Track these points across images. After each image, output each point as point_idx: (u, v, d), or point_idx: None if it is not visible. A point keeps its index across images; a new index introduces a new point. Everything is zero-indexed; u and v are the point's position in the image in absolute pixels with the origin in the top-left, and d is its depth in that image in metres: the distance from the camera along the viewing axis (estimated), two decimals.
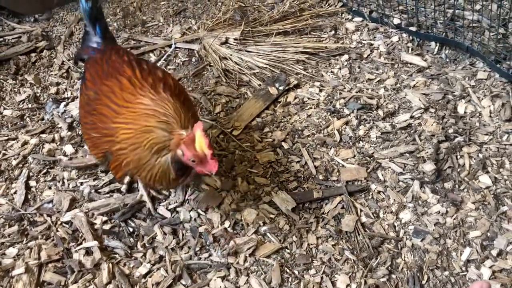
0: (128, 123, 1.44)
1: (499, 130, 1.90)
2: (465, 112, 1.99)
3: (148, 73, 1.59)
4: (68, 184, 1.90)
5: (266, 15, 2.57)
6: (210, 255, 1.64)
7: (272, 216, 1.72)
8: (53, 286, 1.59)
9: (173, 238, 1.69)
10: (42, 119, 2.18)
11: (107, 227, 1.73)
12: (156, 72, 1.62)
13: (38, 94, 2.30)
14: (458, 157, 1.83)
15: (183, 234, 1.70)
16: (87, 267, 1.62)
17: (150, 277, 1.59)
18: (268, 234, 1.67)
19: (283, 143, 1.96)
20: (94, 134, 1.55)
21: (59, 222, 1.77)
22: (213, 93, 2.23)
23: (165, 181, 1.47)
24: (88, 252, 1.66)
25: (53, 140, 2.08)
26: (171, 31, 2.62)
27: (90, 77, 1.64)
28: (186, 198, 1.79)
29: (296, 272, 1.58)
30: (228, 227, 1.70)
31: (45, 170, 1.96)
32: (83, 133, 1.69)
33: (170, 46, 2.50)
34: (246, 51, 2.36)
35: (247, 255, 1.62)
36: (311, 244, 1.64)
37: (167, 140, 1.39)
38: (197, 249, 1.65)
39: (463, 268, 1.54)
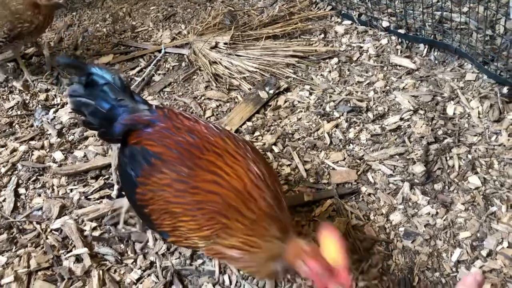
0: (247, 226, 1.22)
1: (488, 131, 1.91)
2: (454, 114, 2.00)
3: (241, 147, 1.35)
4: (58, 191, 1.89)
5: (256, 19, 2.58)
6: (203, 262, 1.63)
7: None
8: None
9: (164, 244, 1.68)
10: (31, 126, 2.17)
11: (97, 233, 1.72)
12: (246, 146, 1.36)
13: (27, 101, 2.29)
14: (448, 158, 1.84)
15: None
16: (77, 274, 1.61)
17: (141, 283, 1.58)
18: None
19: (273, 147, 1.96)
20: (199, 214, 1.26)
21: (48, 230, 1.76)
22: (203, 98, 2.23)
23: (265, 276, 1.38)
24: (78, 259, 1.65)
25: (42, 147, 2.07)
26: (160, 36, 2.62)
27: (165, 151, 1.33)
28: None
29: (288, 276, 1.57)
30: None
31: (34, 177, 1.95)
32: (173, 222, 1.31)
33: (160, 51, 2.50)
34: (236, 55, 2.36)
35: None
36: None
37: (282, 251, 1.22)
38: (188, 254, 1.64)
39: (454, 269, 1.54)
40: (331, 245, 1.14)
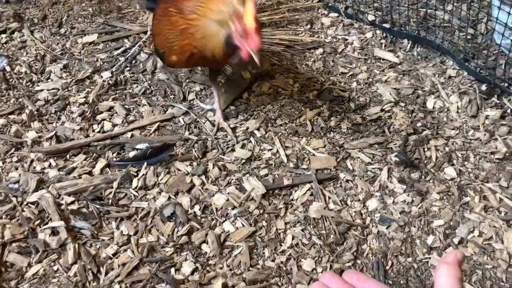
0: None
1: (466, 125, 1.96)
2: (433, 107, 2.04)
3: None
4: (35, 167, 1.87)
5: None
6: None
7: (242, 201, 1.72)
8: (17, 266, 1.57)
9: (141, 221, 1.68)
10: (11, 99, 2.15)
11: (74, 207, 1.71)
12: None
13: (7, 75, 2.26)
14: (426, 149, 1.88)
15: (152, 217, 1.70)
16: (52, 247, 1.60)
17: (117, 257, 1.58)
18: (238, 219, 1.68)
19: (256, 131, 1.97)
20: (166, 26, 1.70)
21: (25, 203, 1.74)
22: (187, 81, 2.23)
23: (219, 56, 1.59)
24: (54, 232, 1.64)
25: (21, 122, 2.04)
26: (147, 18, 2.61)
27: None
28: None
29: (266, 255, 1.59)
30: (198, 210, 1.71)
31: (12, 151, 1.93)
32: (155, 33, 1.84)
33: (145, 32, 2.48)
34: None
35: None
36: (280, 229, 1.65)
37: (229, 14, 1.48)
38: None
39: (426, 255, 1.58)
40: (249, 12, 1.39)
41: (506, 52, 2.02)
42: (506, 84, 2.02)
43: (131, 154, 1.90)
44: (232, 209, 1.70)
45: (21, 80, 2.25)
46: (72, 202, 1.73)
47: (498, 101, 2.02)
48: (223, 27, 1.51)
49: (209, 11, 1.54)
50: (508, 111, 1.98)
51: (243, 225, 1.66)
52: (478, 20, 2.32)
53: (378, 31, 2.43)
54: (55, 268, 1.57)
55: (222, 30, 1.51)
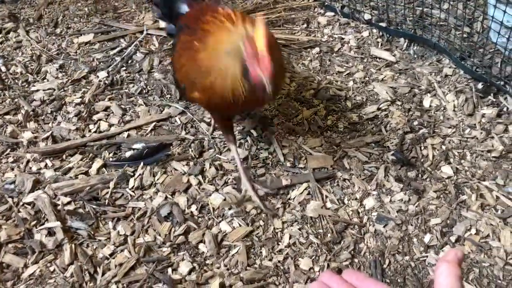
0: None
1: (462, 124, 1.96)
2: (430, 106, 2.04)
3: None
4: (31, 167, 1.86)
5: (240, 5, 2.58)
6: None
7: (239, 202, 1.72)
8: (13, 267, 1.56)
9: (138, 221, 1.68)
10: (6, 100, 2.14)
11: (71, 207, 1.70)
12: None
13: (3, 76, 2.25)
14: (422, 148, 1.88)
15: (149, 217, 1.69)
16: (48, 247, 1.59)
17: (114, 258, 1.58)
18: (235, 218, 1.68)
19: (252, 131, 1.97)
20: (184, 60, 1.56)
21: (21, 203, 1.73)
22: None
23: (240, 96, 1.40)
24: (51, 232, 1.63)
25: (17, 122, 2.03)
26: (143, 18, 2.60)
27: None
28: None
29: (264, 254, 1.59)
30: (195, 210, 1.70)
31: (7, 151, 1.92)
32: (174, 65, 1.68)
33: (141, 32, 2.48)
34: None
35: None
36: (277, 229, 1.65)
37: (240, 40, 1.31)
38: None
39: (423, 254, 1.58)
40: (257, 33, 1.25)
41: (502, 50, 2.02)
42: (502, 83, 2.03)
43: (128, 154, 1.90)
44: (229, 209, 1.70)
45: (16, 81, 2.24)
46: (69, 203, 1.72)
47: (494, 100, 2.03)
48: (237, 58, 1.32)
49: (218, 42, 1.39)
50: (504, 109, 1.99)
51: (240, 225, 1.66)
52: (474, 19, 2.33)
53: (374, 30, 2.43)
54: (51, 268, 1.56)
55: (237, 62, 1.33)
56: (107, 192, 1.76)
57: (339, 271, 1.52)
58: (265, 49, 1.22)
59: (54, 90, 2.18)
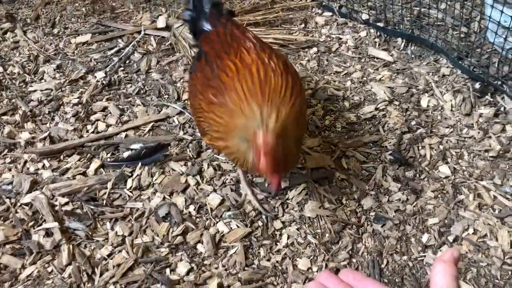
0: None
1: (460, 124, 1.96)
2: (428, 106, 2.04)
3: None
4: (28, 168, 1.86)
5: (238, 6, 2.58)
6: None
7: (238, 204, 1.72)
8: (10, 268, 1.56)
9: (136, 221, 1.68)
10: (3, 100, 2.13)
11: (68, 208, 1.70)
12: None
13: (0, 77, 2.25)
14: (420, 148, 1.88)
15: (147, 218, 1.69)
16: (46, 248, 1.59)
17: (112, 258, 1.57)
18: (233, 220, 1.68)
19: None
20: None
21: (18, 204, 1.73)
22: (182, 80, 2.22)
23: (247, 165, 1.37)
24: (48, 233, 1.63)
25: (14, 122, 2.03)
26: (140, 18, 2.60)
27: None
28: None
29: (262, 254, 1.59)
30: (193, 210, 1.70)
31: (5, 152, 1.92)
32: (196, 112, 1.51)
33: (139, 32, 2.47)
34: None
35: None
36: (276, 229, 1.65)
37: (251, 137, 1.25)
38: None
39: (421, 253, 1.58)
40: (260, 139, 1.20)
41: (499, 50, 2.03)
42: (499, 82, 2.03)
43: (126, 154, 1.89)
44: (227, 210, 1.70)
45: (14, 81, 2.24)
46: (66, 203, 1.72)
47: (491, 99, 2.03)
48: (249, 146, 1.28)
49: (233, 128, 1.31)
50: (502, 109, 1.99)
51: (238, 226, 1.65)
52: (471, 19, 2.33)
53: (372, 30, 2.43)
54: (49, 269, 1.56)
55: (250, 150, 1.28)
56: (105, 193, 1.76)
57: (337, 271, 1.52)
58: (265, 152, 1.18)
59: (52, 90, 2.18)
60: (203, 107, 1.42)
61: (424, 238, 1.61)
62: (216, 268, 1.56)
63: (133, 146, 1.91)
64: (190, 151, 1.89)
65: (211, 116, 1.38)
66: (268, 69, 1.36)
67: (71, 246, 1.58)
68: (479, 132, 1.91)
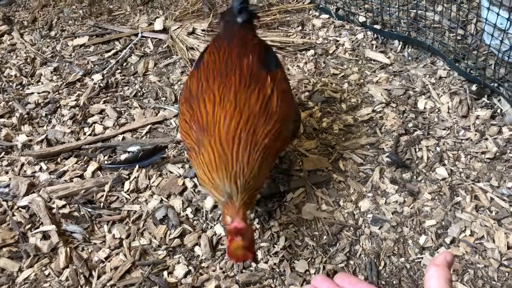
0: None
1: (456, 126, 1.97)
2: (424, 108, 2.05)
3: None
4: (25, 170, 1.86)
5: None
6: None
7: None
8: (7, 271, 1.55)
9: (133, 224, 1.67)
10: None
11: (66, 211, 1.69)
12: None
13: None
14: (417, 149, 1.88)
15: (144, 220, 1.69)
16: (43, 251, 1.59)
17: (109, 261, 1.57)
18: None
19: None
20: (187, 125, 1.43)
21: (15, 207, 1.73)
22: (179, 82, 2.22)
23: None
24: (45, 236, 1.63)
25: (11, 125, 2.03)
26: (138, 20, 2.60)
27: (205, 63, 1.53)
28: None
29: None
30: (191, 213, 1.70)
31: (2, 155, 1.91)
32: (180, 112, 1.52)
33: (136, 35, 2.48)
34: None
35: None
36: (273, 232, 1.65)
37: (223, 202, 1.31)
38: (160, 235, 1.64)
39: (418, 255, 1.58)
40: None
41: (496, 52, 2.04)
42: (496, 84, 2.04)
43: (123, 157, 1.89)
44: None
45: (11, 83, 2.24)
46: (64, 206, 1.72)
47: (488, 101, 2.04)
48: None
49: (211, 182, 1.33)
50: (498, 111, 2.00)
51: None
52: (467, 21, 2.34)
53: (369, 32, 2.44)
54: (46, 272, 1.56)
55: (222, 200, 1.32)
56: (102, 195, 1.75)
57: (334, 273, 1.52)
58: (228, 239, 1.24)
59: (49, 93, 2.18)
60: (184, 115, 1.45)
61: (421, 240, 1.61)
62: (214, 271, 1.56)
63: (130, 149, 1.91)
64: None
65: (186, 134, 1.42)
66: (239, 122, 1.35)
67: (68, 249, 1.58)
68: (475, 134, 1.92)
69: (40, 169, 1.86)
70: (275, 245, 1.62)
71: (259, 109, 1.39)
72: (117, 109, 2.10)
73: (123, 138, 1.97)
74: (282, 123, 1.43)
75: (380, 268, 1.56)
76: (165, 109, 2.08)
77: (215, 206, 1.71)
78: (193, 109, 1.41)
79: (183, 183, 1.79)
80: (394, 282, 1.52)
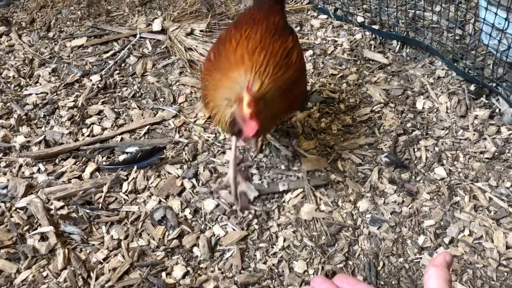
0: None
1: (455, 126, 1.97)
2: (423, 108, 2.05)
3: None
4: (23, 172, 1.85)
5: (233, 8, 2.59)
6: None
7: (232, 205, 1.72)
8: (5, 273, 1.55)
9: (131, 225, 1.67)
10: None
11: (64, 212, 1.69)
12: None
13: None
14: (415, 150, 1.88)
15: (143, 221, 1.69)
16: (41, 252, 1.58)
17: (107, 262, 1.57)
18: (229, 223, 1.67)
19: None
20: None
21: (13, 208, 1.72)
22: (177, 83, 2.22)
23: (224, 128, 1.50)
24: (43, 237, 1.62)
25: (9, 126, 2.02)
26: (136, 21, 2.60)
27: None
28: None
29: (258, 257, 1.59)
30: (189, 214, 1.70)
31: (0, 156, 1.91)
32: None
33: (134, 35, 2.47)
34: (212, 42, 2.36)
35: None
36: (272, 232, 1.65)
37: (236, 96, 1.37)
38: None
39: (417, 255, 1.58)
40: (246, 98, 1.28)
41: (494, 52, 2.04)
42: (494, 84, 2.04)
43: (121, 157, 1.89)
44: (224, 213, 1.70)
45: (9, 85, 2.23)
46: (62, 207, 1.72)
47: (486, 101, 2.04)
48: (231, 105, 1.39)
49: (221, 86, 1.44)
50: (497, 110, 2.00)
51: (234, 229, 1.65)
52: (466, 21, 2.34)
53: (367, 33, 2.44)
54: (44, 274, 1.55)
55: (229, 108, 1.40)
56: (101, 196, 1.75)
57: (333, 274, 1.52)
58: (250, 114, 1.27)
59: (47, 94, 2.18)
60: (205, 65, 1.61)
61: (420, 240, 1.61)
62: (212, 272, 1.55)
63: (128, 150, 1.91)
64: (185, 154, 1.88)
65: (207, 75, 1.53)
66: (266, 48, 1.45)
67: (66, 250, 1.58)
68: (474, 134, 1.92)
69: (38, 170, 1.86)
70: (274, 246, 1.62)
71: (281, 56, 1.47)
72: (115, 110, 2.09)
73: (122, 139, 1.97)
74: (298, 77, 1.53)
75: (379, 268, 1.55)
76: (163, 110, 2.08)
77: (215, 206, 1.71)
78: (219, 49, 1.53)
79: (182, 184, 1.78)
80: (393, 282, 1.52)
